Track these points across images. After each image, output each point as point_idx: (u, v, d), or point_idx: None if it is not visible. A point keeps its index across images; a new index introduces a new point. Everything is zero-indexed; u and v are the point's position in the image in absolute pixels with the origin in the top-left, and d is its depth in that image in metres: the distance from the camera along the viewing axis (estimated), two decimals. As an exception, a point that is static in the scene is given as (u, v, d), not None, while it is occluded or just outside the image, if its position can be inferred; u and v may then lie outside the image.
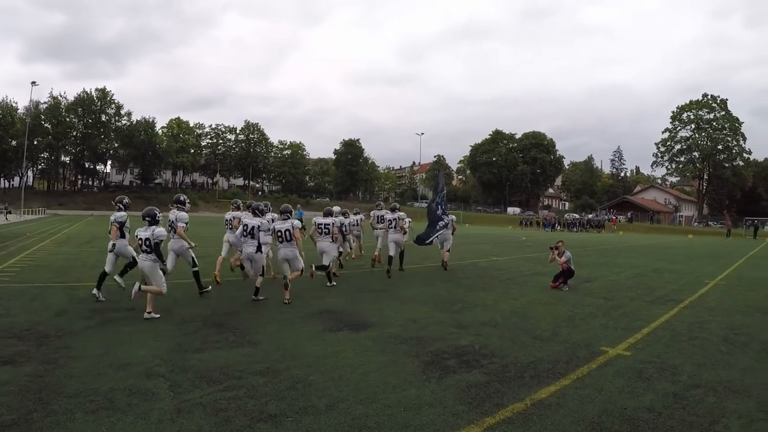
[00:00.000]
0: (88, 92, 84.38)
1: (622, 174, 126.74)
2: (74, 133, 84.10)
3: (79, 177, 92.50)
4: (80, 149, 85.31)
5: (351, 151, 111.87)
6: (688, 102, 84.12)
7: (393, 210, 13.49)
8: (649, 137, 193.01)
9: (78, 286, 9.95)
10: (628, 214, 78.40)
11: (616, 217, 69.44)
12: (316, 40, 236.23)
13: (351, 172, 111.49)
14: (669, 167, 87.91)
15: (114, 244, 8.78)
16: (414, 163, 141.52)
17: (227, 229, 11.11)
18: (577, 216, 69.19)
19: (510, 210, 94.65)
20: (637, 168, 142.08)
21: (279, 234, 9.12)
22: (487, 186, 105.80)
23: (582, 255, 20.42)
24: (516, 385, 4.79)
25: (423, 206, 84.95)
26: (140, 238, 7.60)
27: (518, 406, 4.27)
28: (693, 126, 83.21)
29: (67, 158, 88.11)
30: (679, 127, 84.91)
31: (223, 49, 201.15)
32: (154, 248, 7.57)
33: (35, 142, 78.10)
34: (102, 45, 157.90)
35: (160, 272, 7.68)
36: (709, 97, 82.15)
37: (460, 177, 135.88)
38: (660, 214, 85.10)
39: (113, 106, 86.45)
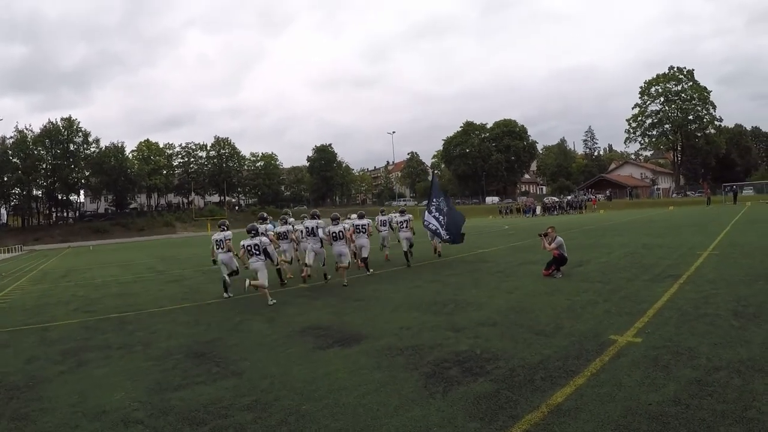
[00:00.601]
0: (54, 122, 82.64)
1: (596, 153, 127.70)
2: (44, 166, 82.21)
3: (54, 210, 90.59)
4: (51, 181, 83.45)
5: (324, 156, 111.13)
6: (655, 76, 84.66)
7: (402, 213, 16.79)
8: (617, 115, 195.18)
9: (51, 326, 9.37)
10: (607, 192, 78.72)
11: (595, 196, 69.63)
12: (280, 48, 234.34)
13: (326, 178, 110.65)
14: (642, 142, 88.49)
15: (214, 260, 11.63)
16: (388, 162, 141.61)
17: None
18: (555, 199, 69.33)
19: (488, 199, 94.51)
20: (610, 146, 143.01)
21: (334, 234, 11.98)
22: (463, 178, 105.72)
23: (568, 238, 19.98)
24: (528, 390, 4.41)
25: (401, 204, 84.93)
26: (247, 245, 10.33)
27: (535, 415, 3.89)
28: (662, 99, 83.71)
29: (39, 192, 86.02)
30: (648, 102, 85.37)
31: (188, 67, 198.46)
32: (264, 252, 10.31)
33: (5, 179, 76.22)
34: (65, 73, 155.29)
35: (266, 270, 10.24)
36: (675, 69, 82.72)
37: (435, 172, 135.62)
38: (638, 188, 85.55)
39: (80, 134, 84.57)
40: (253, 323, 8.18)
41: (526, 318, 7.16)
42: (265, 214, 14.18)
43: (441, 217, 16.12)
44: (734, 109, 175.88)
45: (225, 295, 11.19)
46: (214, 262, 11.71)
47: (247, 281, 9.38)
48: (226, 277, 11.20)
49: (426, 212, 16.47)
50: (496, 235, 26.97)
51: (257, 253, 10.17)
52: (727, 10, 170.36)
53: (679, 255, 13.02)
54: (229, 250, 11.32)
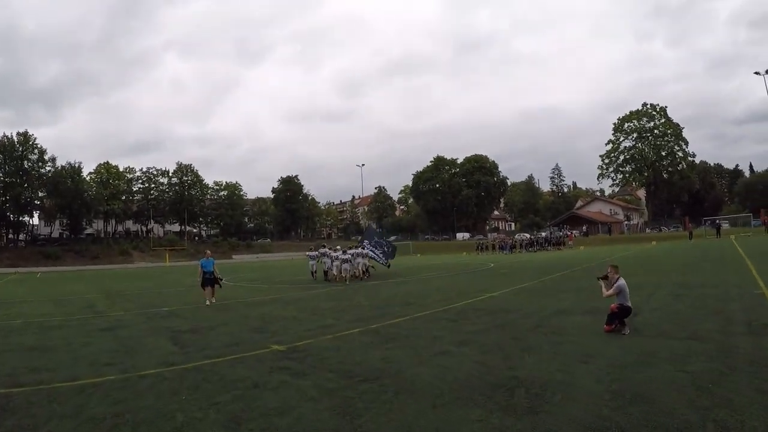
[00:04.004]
0: (9, 137, 76.80)
1: (562, 190, 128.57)
2: (-4, 183, 76.43)
3: (4, 231, 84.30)
4: (2, 200, 77.41)
5: (290, 187, 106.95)
6: (628, 113, 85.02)
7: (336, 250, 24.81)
8: (582, 154, 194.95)
9: None
10: (583, 227, 77.53)
11: (572, 233, 68.04)
12: (254, 79, 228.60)
13: (291, 210, 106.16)
14: (614, 178, 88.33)
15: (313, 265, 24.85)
16: (354, 197, 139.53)
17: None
18: (528, 235, 67.48)
19: (459, 236, 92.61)
20: (574, 183, 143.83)
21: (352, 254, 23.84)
22: (433, 213, 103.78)
23: (573, 279, 18.54)
24: None
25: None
26: (342, 258, 22.54)
27: None
28: (635, 135, 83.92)
29: (-11, 211, 79.60)
30: (621, 138, 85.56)
31: (162, 91, 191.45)
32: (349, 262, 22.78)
33: (-48, 195, 70.34)
34: (37, 89, 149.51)
35: (352, 270, 22.69)
36: (648, 105, 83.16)
37: (401, 207, 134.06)
38: (610, 224, 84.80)
39: (36, 151, 79.19)
40: (204, 428, 4.77)
41: (659, 414, 4.39)
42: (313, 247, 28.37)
43: (378, 250, 26.55)
44: (694, 149, 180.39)
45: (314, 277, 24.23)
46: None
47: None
48: (313, 272, 24.38)
49: (366, 248, 25.44)
50: (489, 274, 24.12)
51: (348, 261, 22.21)
52: (689, 55, 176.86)
53: (736, 296, 11.24)
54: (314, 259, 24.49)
